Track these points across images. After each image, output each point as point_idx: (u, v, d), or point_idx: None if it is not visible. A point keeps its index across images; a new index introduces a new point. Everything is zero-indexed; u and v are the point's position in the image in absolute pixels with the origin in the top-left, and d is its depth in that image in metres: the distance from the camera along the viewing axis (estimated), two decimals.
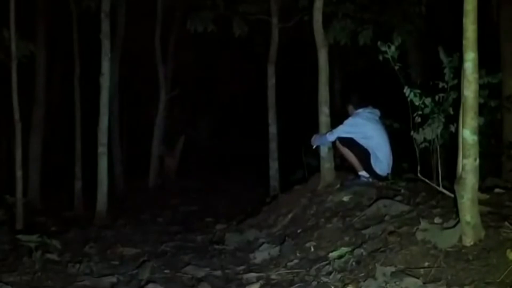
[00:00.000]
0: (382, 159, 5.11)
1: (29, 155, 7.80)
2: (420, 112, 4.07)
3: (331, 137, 5.08)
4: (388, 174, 5.12)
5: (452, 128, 3.91)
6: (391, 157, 5.22)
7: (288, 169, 7.69)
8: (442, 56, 3.94)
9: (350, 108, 5.33)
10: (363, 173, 5.09)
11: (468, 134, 2.96)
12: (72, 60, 7.96)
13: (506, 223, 3.15)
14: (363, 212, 4.17)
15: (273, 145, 7.30)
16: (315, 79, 5.27)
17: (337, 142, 5.11)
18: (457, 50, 3.36)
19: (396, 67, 4.04)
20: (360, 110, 5.23)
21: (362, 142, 5.07)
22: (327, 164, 5.18)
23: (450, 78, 3.94)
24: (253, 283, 3.53)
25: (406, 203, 4.08)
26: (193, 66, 12.99)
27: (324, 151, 5.18)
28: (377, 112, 5.30)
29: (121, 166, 10.19)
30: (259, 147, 8.60)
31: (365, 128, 5.10)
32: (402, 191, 4.54)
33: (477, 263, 2.81)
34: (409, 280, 2.85)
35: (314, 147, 5.23)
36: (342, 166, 5.45)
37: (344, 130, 5.08)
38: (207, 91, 14.43)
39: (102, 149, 6.14)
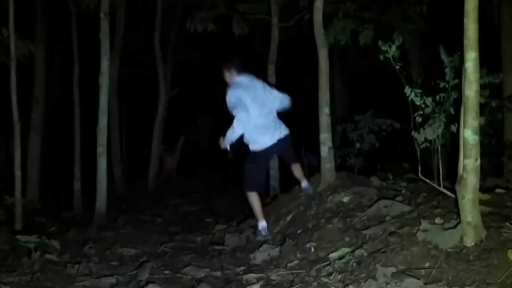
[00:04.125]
0: (262, 130, 4.79)
1: (28, 155, 7.77)
2: (421, 112, 4.06)
3: (234, 131, 4.73)
4: (277, 140, 4.83)
5: (453, 128, 3.89)
6: (276, 123, 4.91)
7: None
8: (443, 55, 3.92)
9: (231, 72, 4.92)
10: (261, 224, 4.80)
11: (469, 134, 2.95)
12: (71, 60, 7.94)
13: (507, 224, 3.15)
14: (363, 213, 4.16)
15: None
16: (316, 78, 5.26)
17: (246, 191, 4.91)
18: (458, 49, 3.35)
19: (397, 67, 4.03)
20: (239, 78, 4.88)
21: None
22: (327, 164, 5.16)
23: (451, 78, 3.93)
24: (253, 283, 3.52)
25: (407, 204, 4.07)
26: (193, 66, 12.98)
27: (324, 151, 5.16)
28: (253, 78, 4.94)
29: (120, 166, 10.17)
30: None
31: (245, 99, 4.70)
32: (403, 191, 4.53)
33: (478, 264, 2.81)
34: (410, 281, 2.85)
35: (225, 148, 4.85)
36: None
37: (237, 113, 4.65)
38: (207, 91, 14.41)
39: (102, 149, 6.12)
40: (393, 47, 4.01)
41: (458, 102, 3.40)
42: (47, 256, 4.15)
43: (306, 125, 5.89)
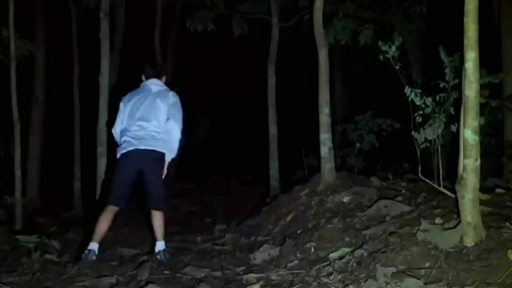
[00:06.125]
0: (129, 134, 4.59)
1: (28, 155, 7.77)
2: (421, 112, 4.06)
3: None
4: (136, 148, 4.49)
5: (453, 128, 3.89)
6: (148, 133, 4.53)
7: (288, 169, 7.66)
8: (443, 55, 3.93)
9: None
10: (159, 245, 4.37)
11: (469, 134, 2.96)
12: (71, 59, 7.94)
13: (507, 224, 3.15)
14: (363, 213, 4.16)
15: (273, 145, 7.28)
16: (316, 78, 5.26)
17: None
18: (458, 49, 3.36)
19: (397, 67, 4.03)
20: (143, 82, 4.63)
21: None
22: (327, 164, 5.16)
23: (451, 78, 3.93)
24: (253, 283, 3.51)
25: (407, 204, 4.07)
26: (192, 65, 12.98)
27: (324, 151, 5.16)
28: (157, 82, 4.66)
29: None
30: (259, 147, 8.58)
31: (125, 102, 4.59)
32: (403, 191, 4.53)
33: (478, 264, 2.81)
34: (410, 281, 2.85)
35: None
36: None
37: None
38: (207, 91, 14.43)
39: (102, 149, 6.12)
40: (393, 47, 4.01)
41: (458, 102, 3.40)
42: (47, 256, 4.15)
43: (305, 125, 5.90)
